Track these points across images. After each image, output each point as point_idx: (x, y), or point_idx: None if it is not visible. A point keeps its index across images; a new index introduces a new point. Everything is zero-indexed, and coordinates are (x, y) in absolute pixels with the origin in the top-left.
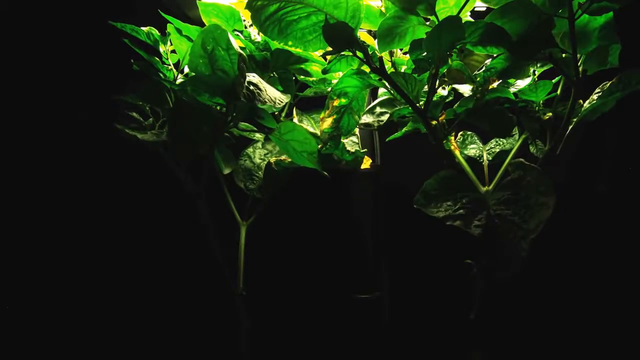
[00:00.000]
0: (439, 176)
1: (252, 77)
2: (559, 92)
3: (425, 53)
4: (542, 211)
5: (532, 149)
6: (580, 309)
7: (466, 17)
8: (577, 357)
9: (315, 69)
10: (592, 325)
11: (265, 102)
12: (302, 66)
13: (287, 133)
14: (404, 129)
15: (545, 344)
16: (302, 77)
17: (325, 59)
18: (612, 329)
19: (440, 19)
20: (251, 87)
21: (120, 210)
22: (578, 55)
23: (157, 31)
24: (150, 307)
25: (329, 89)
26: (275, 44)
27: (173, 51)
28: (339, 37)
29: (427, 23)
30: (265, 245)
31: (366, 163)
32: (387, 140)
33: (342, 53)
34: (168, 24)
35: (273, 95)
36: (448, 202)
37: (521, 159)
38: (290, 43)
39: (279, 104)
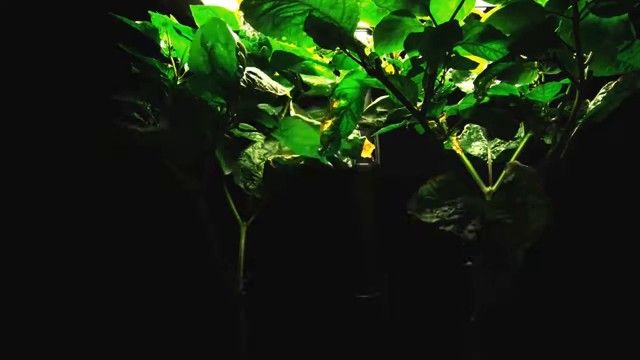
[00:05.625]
0: (436, 181)
1: (252, 68)
2: (567, 92)
3: (421, 57)
4: (538, 218)
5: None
6: (580, 309)
7: (463, 19)
8: (576, 357)
9: (318, 68)
10: (591, 325)
11: (266, 88)
12: (304, 65)
13: (288, 129)
14: (391, 126)
15: (545, 344)
16: (305, 78)
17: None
18: (611, 329)
19: (437, 20)
20: (251, 75)
21: (120, 211)
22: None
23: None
24: (150, 307)
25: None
26: (276, 45)
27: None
28: (327, 35)
29: (424, 23)
30: (265, 246)
31: (368, 150)
32: (374, 134)
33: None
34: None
35: (273, 84)
36: (444, 208)
37: (517, 162)
38: (284, 38)
39: (281, 92)
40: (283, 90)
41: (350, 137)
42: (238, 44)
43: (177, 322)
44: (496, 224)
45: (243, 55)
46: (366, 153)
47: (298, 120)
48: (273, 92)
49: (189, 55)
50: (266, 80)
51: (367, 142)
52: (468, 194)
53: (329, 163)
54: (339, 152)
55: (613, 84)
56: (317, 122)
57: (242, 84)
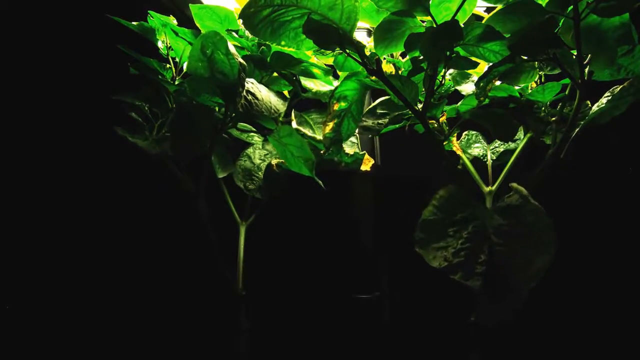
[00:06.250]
0: (436, 198)
1: (250, 85)
2: (567, 92)
3: (421, 57)
4: (543, 255)
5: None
6: (579, 309)
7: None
8: (575, 356)
9: (316, 71)
10: (590, 324)
11: (262, 111)
12: (302, 67)
13: (285, 137)
14: (390, 127)
15: (543, 344)
16: (303, 82)
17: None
18: (609, 329)
19: (437, 21)
20: (249, 97)
21: (120, 211)
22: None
23: (149, 23)
24: (150, 307)
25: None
26: (275, 46)
27: (170, 48)
28: (326, 36)
29: (424, 24)
30: (264, 246)
31: (367, 164)
32: (379, 132)
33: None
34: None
35: (269, 104)
36: (449, 232)
37: (523, 190)
38: (282, 43)
39: (275, 113)
40: (277, 110)
41: (351, 150)
42: (240, 63)
43: (176, 321)
44: (500, 256)
45: (244, 76)
46: (365, 167)
47: (295, 131)
48: (268, 113)
49: (188, 61)
50: (263, 101)
51: (366, 156)
52: (470, 206)
53: (321, 184)
54: (335, 159)
55: (619, 88)
56: (317, 136)
57: (240, 108)
